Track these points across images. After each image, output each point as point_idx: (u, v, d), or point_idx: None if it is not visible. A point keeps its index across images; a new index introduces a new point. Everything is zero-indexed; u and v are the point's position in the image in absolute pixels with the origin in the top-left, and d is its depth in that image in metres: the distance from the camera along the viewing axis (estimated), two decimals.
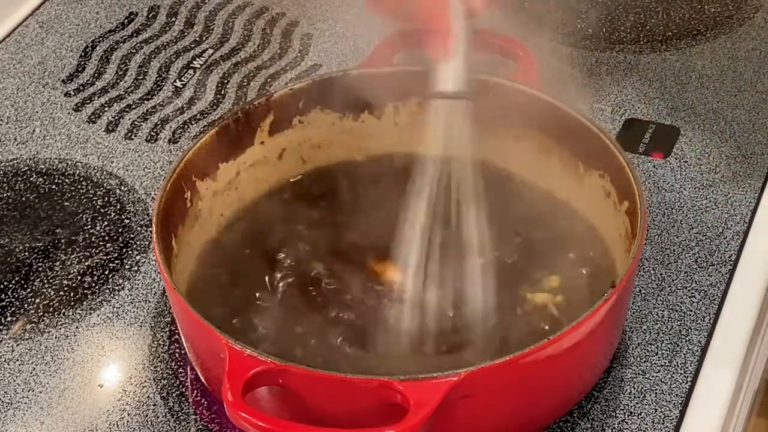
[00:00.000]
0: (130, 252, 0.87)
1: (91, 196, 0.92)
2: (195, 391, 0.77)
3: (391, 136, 0.88)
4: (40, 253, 0.87)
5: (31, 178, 0.94)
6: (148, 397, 0.77)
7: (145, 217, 0.90)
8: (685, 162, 0.93)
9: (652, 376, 0.77)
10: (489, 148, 0.87)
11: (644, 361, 0.78)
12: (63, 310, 0.83)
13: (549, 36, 1.06)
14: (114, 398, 0.77)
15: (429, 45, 0.75)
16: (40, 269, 0.86)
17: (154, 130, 0.98)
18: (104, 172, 0.94)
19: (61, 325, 0.82)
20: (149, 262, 0.86)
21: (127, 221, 0.90)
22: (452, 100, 0.75)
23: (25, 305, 0.84)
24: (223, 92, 1.02)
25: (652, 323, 0.81)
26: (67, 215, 0.90)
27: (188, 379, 0.78)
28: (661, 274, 0.84)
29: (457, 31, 0.74)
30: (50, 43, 1.09)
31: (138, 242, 0.88)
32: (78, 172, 0.94)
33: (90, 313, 0.83)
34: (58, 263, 0.86)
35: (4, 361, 0.80)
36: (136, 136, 0.98)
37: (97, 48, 1.08)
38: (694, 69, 1.03)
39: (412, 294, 0.75)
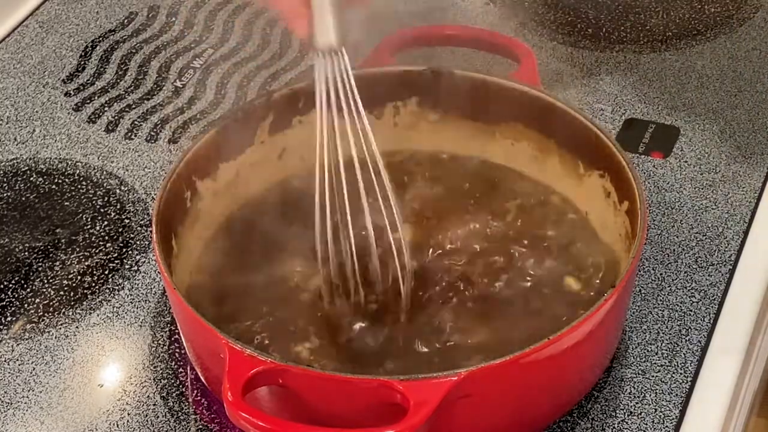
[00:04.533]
0: (130, 252, 0.87)
1: (91, 196, 0.92)
2: (195, 391, 0.77)
3: (391, 136, 0.88)
4: (40, 253, 0.87)
5: (31, 178, 0.94)
6: (148, 397, 0.77)
7: (145, 217, 0.90)
8: (685, 162, 0.93)
9: (652, 376, 0.77)
10: (489, 148, 0.87)
11: (644, 361, 0.78)
12: (63, 310, 0.83)
13: (549, 36, 1.07)
14: (114, 398, 0.77)
15: (290, 26, 0.74)
16: (40, 269, 0.86)
17: (154, 130, 0.98)
18: (104, 172, 0.94)
19: (61, 325, 0.82)
20: (149, 262, 0.87)
21: (127, 221, 0.90)
22: (332, 53, 0.73)
23: (25, 305, 0.84)
24: (223, 92, 1.02)
25: (652, 323, 0.81)
26: (67, 215, 0.90)
27: (188, 379, 0.78)
28: (661, 274, 0.84)
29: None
30: (50, 43, 1.09)
31: (138, 242, 0.88)
32: (78, 172, 0.94)
33: (90, 313, 0.83)
34: (58, 263, 0.86)
35: (4, 361, 0.80)
36: (136, 136, 0.98)
37: (97, 48, 1.08)
38: (694, 69, 1.03)
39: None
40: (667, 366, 0.78)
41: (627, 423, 0.75)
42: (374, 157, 0.74)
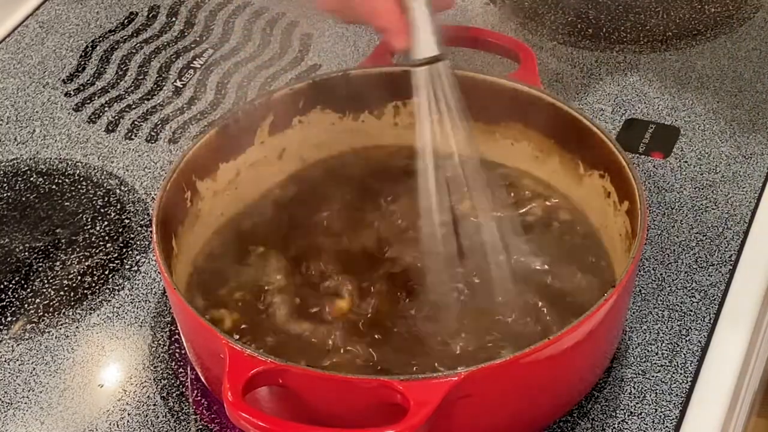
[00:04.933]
0: (130, 252, 0.87)
1: (91, 196, 0.92)
2: (195, 391, 0.77)
3: (391, 136, 0.88)
4: (40, 253, 0.87)
5: (31, 178, 0.94)
6: (148, 397, 0.77)
7: (145, 217, 0.90)
8: (685, 162, 0.93)
9: (652, 376, 0.77)
10: (489, 148, 0.87)
11: (644, 361, 0.78)
12: (63, 310, 0.83)
13: (549, 36, 1.07)
14: (114, 398, 0.77)
15: (390, 40, 0.75)
16: (40, 269, 0.86)
17: (154, 130, 0.98)
18: (104, 172, 0.94)
19: (61, 325, 0.82)
20: (149, 262, 0.87)
21: (127, 221, 0.90)
22: (432, 64, 0.75)
23: (25, 305, 0.84)
24: (223, 92, 1.02)
25: (652, 323, 0.81)
26: (67, 215, 0.90)
27: (188, 379, 0.78)
28: (661, 274, 0.84)
29: (411, 6, 0.74)
30: (50, 43, 1.09)
31: (138, 242, 0.88)
32: (78, 172, 0.94)
33: (90, 313, 0.83)
34: (58, 263, 0.86)
35: (4, 361, 0.80)
36: (136, 136, 0.98)
37: (97, 48, 1.08)
38: (694, 69, 1.03)
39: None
40: (667, 366, 0.78)
41: (627, 423, 0.75)
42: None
